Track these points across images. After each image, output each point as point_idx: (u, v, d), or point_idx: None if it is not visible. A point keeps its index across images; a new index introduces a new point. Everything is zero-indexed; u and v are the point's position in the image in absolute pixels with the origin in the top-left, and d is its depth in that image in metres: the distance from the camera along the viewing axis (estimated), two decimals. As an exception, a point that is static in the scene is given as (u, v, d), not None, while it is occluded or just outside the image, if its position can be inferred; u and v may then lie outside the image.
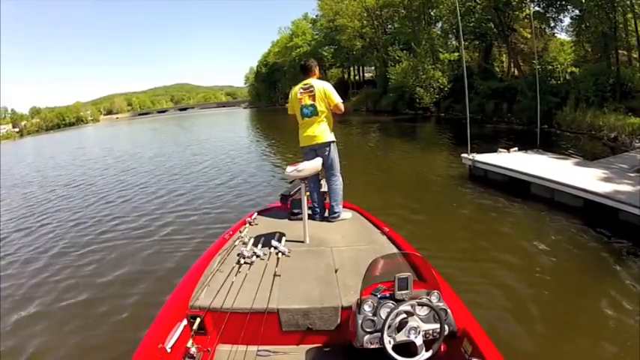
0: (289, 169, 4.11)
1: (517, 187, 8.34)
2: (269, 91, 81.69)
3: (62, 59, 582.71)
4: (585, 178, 7.48)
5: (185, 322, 2.90)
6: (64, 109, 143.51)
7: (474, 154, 9.80)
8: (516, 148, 10.29)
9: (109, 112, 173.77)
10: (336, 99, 4.73)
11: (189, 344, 2.83)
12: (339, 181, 4.90)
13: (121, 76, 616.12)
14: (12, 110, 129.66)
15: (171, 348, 2.64)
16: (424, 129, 24.08)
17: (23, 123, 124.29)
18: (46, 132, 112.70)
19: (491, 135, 17.65)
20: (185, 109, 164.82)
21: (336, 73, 61.97)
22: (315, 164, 4.34)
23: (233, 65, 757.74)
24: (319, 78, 4.97)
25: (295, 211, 4.75)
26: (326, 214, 4.93)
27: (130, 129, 61.58)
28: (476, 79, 24.51)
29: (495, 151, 10.29)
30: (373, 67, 50.37)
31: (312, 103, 4.72)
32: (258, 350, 2.93)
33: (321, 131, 4.76)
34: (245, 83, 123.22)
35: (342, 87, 56.62)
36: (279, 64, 66.06)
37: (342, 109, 4.79)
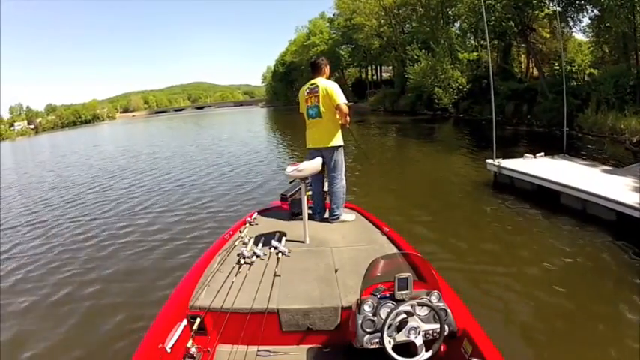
0: (289, 168, 4.12)
1: (546, 197, 7.77)
2: (286, 90, 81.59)
3: (80, 58, 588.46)
4: (617, 188, 6.91)
5: (185, 322, 2.94)
6: (80, 106, 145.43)
7: (500, 160, 9.20)
8: (542, 154, 9.65)
9: (126, 110, 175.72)
10: (340, 99, 4.60)
11: (189, 344, 2.86)
12: (341, 184, 4.87)
13: (138, 75, 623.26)
14: (27, 107, 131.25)
15: (171, 348, 2.67)
16: (443, 130, 23.78)
17: (38, 120, 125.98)
18: (61, 129, 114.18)
19: (511, 138, 17.31)
20: (202, 108, 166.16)
21: (353, 72, 62.07)
22: (314, 164, 4.33)
23: (251, 64, 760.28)
24: (330, 78, 4.91)
25: (295, 211, 4.77)
26: (326, 215, 4.93)
27: (147, 127, 61.88)
28: (496, 80, 24.20)
29: (518, 155, 9.79)
30: (391, 67, 50.17)
31: (316, 103, 4.69)
32: (258, 350, 2.96)
33: (327, 135, 4.73)
34: (262, 82, 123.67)
35: (359, 86, 56.84)
36: (297, 63, 66.34)
37: (346, 110, 4.64)
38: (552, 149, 10.12)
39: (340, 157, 4.85)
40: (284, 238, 4.15)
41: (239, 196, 10.39)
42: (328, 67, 4.90)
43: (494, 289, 4.89)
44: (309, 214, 4.30)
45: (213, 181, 12.65)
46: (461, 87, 27.11)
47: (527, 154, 9.61)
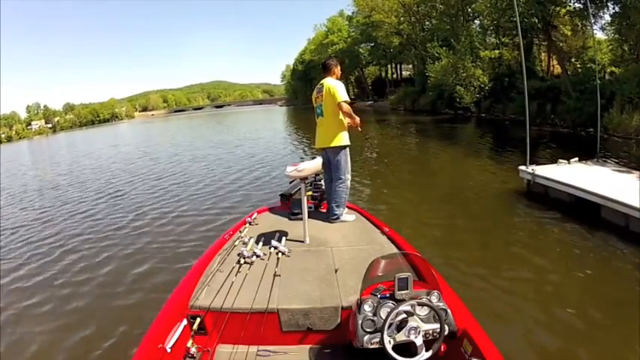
0: (289, 168, 4.17)
1: (584, 209, 6.95)
2: (305, 88, 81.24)
3: (98, 58, 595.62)
4: None
5: (185, 322, 2.99)
6: (98, 105, 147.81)
7: (534, 167, 8.39)
8: (576, 159, 8.82)
9: (145, 109, 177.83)
10: (341, 96, 4.66)
11: (189, 344, 2.91)
12: (343, 184, 4.88)
13: (157, 74, 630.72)
14: (44, 106, 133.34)
15: (171, 348, 2.71)
16: (465, 131, 23.19)
17: (56, 119, 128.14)
18: (79, 128, 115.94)
19: (536, 140, 15.83)
20: (221, 107, 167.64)
21: (373, 70, 61.83)
22: (315, 164, 4.37)
23: (270, 63, 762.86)
24: (341, 79, 4.99)
25: (295, 211, 4.83)
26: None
27: (167, 127, 62.11)
28: (518, 78, 23.87)
29: (544, 159, 9.07)
30: (411, 65, 49.94)
31: (320, 102, 4.81)
32: (258, 350, 3.01)
33: (330, 134, 4.80)
34: (282, 81, 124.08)
35: (379, 85, 56.70)
36: (316, 61, 66.09)
37: (346, 109, 4.67)
38: (580, 152, 9.47)
39: (343, 157, 4.88)
40: (284, 238, 4.21)
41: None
42: (339, 67, 4.98)
43: (516, 304, 4.64)
44: (310, 212, 4.37)
45: (241, 188, 11.92)
46: (482, 85, 26.71)
47: (561, 160, 8.83)
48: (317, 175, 5.39)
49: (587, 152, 9.47)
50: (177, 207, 10.20)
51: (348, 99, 4.74)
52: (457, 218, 7.80)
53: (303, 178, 4.29)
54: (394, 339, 2.43)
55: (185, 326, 2.96)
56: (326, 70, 4.92)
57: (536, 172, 8.23)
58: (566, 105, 19.32)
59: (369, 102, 54.53)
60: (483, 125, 23.46)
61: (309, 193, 5.24)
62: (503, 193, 9.09)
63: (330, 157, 4.88)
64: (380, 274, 2.86)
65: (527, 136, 8.56)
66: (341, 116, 4.78)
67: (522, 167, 8.64)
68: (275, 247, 3.94)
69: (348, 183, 4.97)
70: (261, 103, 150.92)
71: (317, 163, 4.43)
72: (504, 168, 11.24)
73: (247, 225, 4.69)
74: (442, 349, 2.69)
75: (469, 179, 11.07)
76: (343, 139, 4.84)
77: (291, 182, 5.26)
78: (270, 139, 25.91)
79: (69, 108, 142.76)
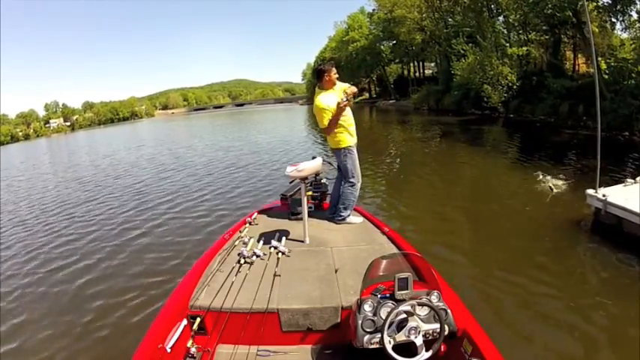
0: (289, 168, 4.23)
1: None
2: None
3: (121, 59, 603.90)
4: None
5: (185, 322, 3.06)
6: (117, 103, 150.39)
7: (605, 191, 6.68)
8: None
9: (165, 107, 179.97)
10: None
11: (189, 344, 2.99)
12: (352, 188, 4.96)
13: (178, 74, 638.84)
14: (63, 104, 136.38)
15: (171, 348, 2.78)
16: (495, 134, 21.65)
17: (75, 117, 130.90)
18: (98, 126, 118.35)
19: (573, 145, 15.14)
20: (242, 105, 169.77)
21: (395, 69, 61.67)
22: (314, 164, 4.40)
23: (292, 61, 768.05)
24: (333, 83, 4.89)
25: (295, 210, 4.94)
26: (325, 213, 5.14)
27: (188, 126, 62.55)
28: (547, 77, 23.34)
29: (585, 169, 7.64)
30: (433, 64, 49.82)
31: None
32: (258, 350, 3.09)
33: (332, 137, 4.90)
34: (302, 79, 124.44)
35: (401, 84, 56.41)
36: (336, 59, 66.00)
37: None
38: (625, 161, 8.81)
39: (349, 160, 4.95)
40: (284, 238, 4.32)
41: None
42: (333, 71, 4.77)
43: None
44: (310, 212, 4.51)
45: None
46: (510, 84, 26.02)
47: (628, 180, 7.18)
48: (317, 175, 5.50)
49: (623, 159, 9.02)
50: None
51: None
52: (494, 251, 6.54)
53: (303, 178, 4.36)
54: (394, 339, 2.50)
55: (185, 326, 3.05)
56: (318, 79, 4.84)
57: (609, 200, 6.51)
58: (600, 106, 18.53)
59: (392, 101, 54.43)
60: (513, 127, 22.29)
61: (309, 193, 5.36)
62: (558, 222, 7.33)
63: (337, 157, 5.03)
64: (380, 274, 2.93)
65: (597, 153, 6.75)
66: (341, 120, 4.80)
67: (590, 191, 6.93)
68: (275, 247, 4.04)
69: (358, 187, 5.06)
70: (282, 102, 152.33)
71: (317, 163, 4.48)
72: (541, 182, 9.71)
73: (247, 225, 4.80)
74: (442, 349, 2.77)
75: (508, 199, 9.45)
76: (342, 140, 4.90)
77: (291, 182, 5.30)
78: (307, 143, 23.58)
79: (88, 106, 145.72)
